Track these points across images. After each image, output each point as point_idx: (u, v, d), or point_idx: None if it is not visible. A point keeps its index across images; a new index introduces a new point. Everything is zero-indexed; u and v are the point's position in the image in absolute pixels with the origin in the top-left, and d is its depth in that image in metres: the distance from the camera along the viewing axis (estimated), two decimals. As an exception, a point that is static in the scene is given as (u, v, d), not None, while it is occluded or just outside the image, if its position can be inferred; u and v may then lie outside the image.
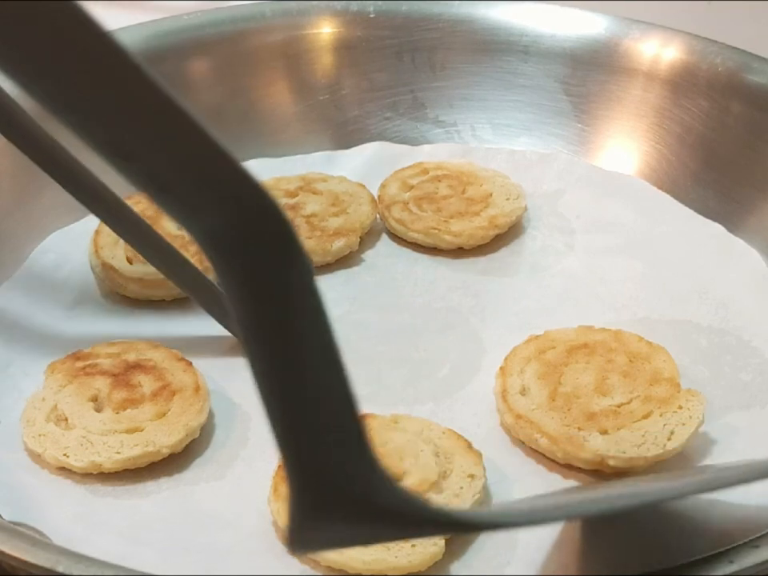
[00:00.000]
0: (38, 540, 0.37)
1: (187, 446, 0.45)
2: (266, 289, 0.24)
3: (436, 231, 0.57)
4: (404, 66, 0.68)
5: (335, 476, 0.25)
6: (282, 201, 0.59)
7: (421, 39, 0.68)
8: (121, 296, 0.54)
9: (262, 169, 0.63)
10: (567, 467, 0.45)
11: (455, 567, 0.41)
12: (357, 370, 0.49)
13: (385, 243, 0.59)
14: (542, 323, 0.52)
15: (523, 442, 0.46)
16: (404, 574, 0.40)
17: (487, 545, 0.41)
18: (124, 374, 0.47)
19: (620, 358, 0.48)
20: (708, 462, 0.45)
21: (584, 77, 0.65)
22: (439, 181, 0.61)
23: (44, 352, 0.50)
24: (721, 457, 0.45)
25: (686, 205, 0.60)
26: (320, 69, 0.68)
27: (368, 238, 0.59)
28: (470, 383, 0.49)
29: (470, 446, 0.44)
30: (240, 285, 0.24)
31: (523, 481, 0.44)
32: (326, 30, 0.68)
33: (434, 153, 0.65)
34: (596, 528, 0.42)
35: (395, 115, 0.67)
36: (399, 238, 0.59)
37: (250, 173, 0.23)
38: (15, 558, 0.35)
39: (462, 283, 0.56)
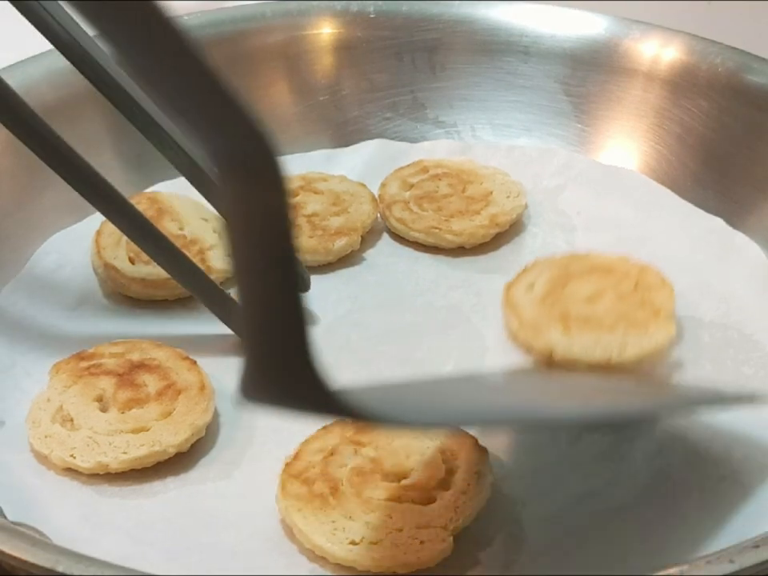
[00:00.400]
0: (38, 540, 0.37)
1: (193, 445, 0.45)
2: (248, 201, 0.30)
3: (437, 230, 0.58)
4: (404, 67, 0.68)
5: (275, 354, 0.31)
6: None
7: (421, 40, 0.68)
8: (123, 296, 0.54)
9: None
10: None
11: (463, 564, 0.41)
12: (358, 369, 0.50)
13: (386, 242, 0.59)
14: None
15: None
16: (413, 570, 0.40)
17: (495, 541, 0.42)
18: (129, 374, 0.47)
19: (627, 283, 0.52)
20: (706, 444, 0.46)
21: (584, 77, 0.65)
22: (439, 179, 0.61)
23: (47, 353, 0.50)
24: (720, 441, 0.46)
25: (686, 205, 0.60)
26: (320, 69, 0.68)
27: (369, 237, 0.59)
28: (473, 381, 0.50)
29: (475, 442, 0.44)
30: (232, 198, 0.30)
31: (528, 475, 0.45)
32: (326, 31, 0.68)
33: (433, 149, 0.65)
34: (604, 524, 0.42)
35: (395, 116, 0.68)
36: (400, 237, 0.59)
37: (250, 110, 0.29)
38: (15, 558, 0.35)
39: (463, 282, 0.56)
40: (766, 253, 0.56)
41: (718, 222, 0.58)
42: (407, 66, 0.68)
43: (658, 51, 0.64)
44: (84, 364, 0.47)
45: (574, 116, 0.66)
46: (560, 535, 0.42)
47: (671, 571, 0.35)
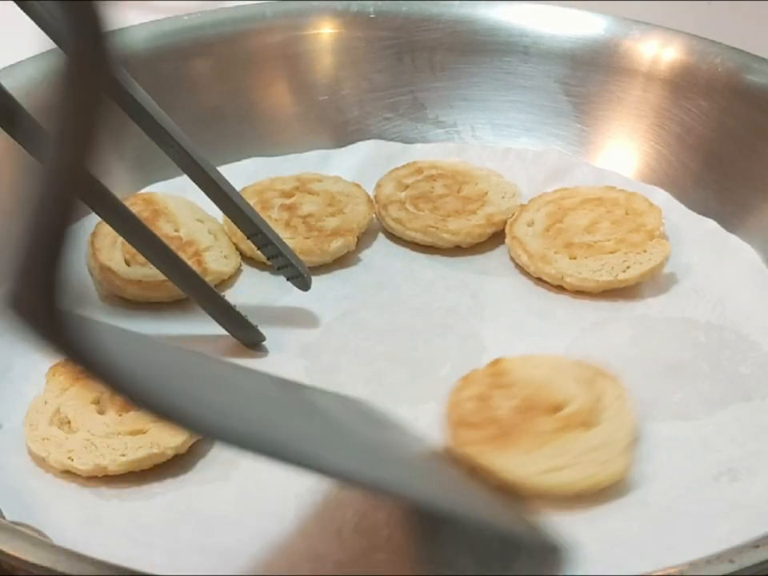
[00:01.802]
0: (38, 540, 0.37)
1: (191, 447, 0.45)
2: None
3: (434, 230, 0.58)
4: (404, 67, 0.68)
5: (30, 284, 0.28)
6: (278, 201, 0.59)
7: (421, 40, 0.68)
8: (119, 298, 0.54)
9: (257, 168, 0.63)
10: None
11: (463, 564, 0.40)
12: (357, 369, 0.50)
13: (381, 243, 0.59)
14: (540, 321, 0.53)
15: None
16: (600, 488, 0.42)
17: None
18: (126, 376, 0.47)
19: (619, 210, 0.57)
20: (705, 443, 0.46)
21: (584, 77, 0.65)
22: (434, 180, 0.61)
23: (44, 355, 0.50)
24: (720, 440, 0.46)
25: (686, 205, 0.60)
26: (320, 69, 0.68)
27: (364, 237, 0.59)
28: (472, 382, 0.50)
29: (601, 371, 0.46)
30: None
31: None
32: (326, 31, 0.68)
33: (427, 151, 0.65)
34: (603, 523, 0.42)
35: (395, 116, 0.68)
36: (396, 237, 0.59)
37: None
38: (15, 558, 0.35)
39: (460, 282, 0.56)
40: (766, 252, 0.56)
41: (712, 224, 0.59)
42: (407, 65, 0.68)
43: (658, 51, 0.64)
44: (81, 366, 0.47)
45: (573, 116, 0.66)
46: (559, 535, 0.42)
47: (671, 571, 0.35)
